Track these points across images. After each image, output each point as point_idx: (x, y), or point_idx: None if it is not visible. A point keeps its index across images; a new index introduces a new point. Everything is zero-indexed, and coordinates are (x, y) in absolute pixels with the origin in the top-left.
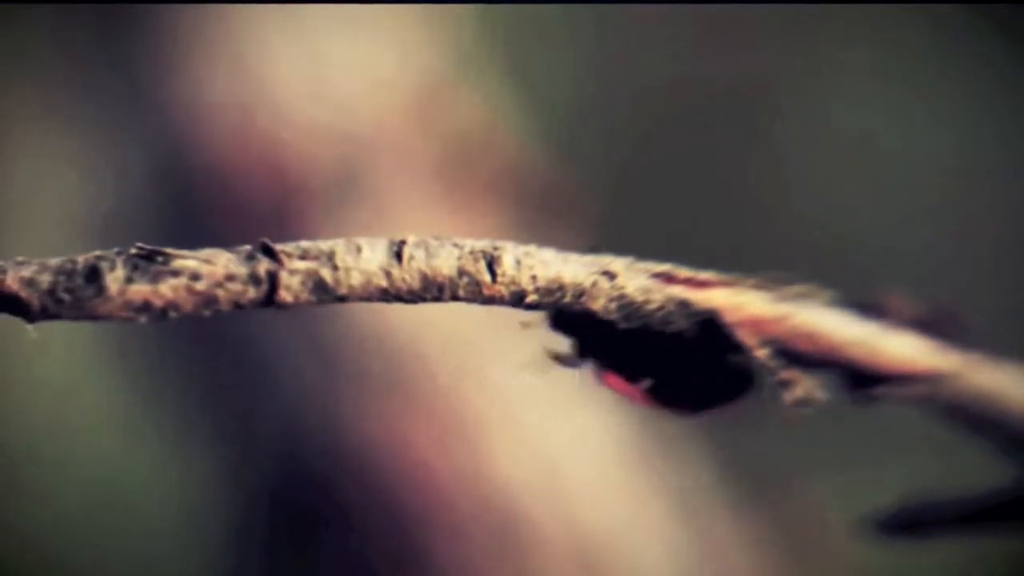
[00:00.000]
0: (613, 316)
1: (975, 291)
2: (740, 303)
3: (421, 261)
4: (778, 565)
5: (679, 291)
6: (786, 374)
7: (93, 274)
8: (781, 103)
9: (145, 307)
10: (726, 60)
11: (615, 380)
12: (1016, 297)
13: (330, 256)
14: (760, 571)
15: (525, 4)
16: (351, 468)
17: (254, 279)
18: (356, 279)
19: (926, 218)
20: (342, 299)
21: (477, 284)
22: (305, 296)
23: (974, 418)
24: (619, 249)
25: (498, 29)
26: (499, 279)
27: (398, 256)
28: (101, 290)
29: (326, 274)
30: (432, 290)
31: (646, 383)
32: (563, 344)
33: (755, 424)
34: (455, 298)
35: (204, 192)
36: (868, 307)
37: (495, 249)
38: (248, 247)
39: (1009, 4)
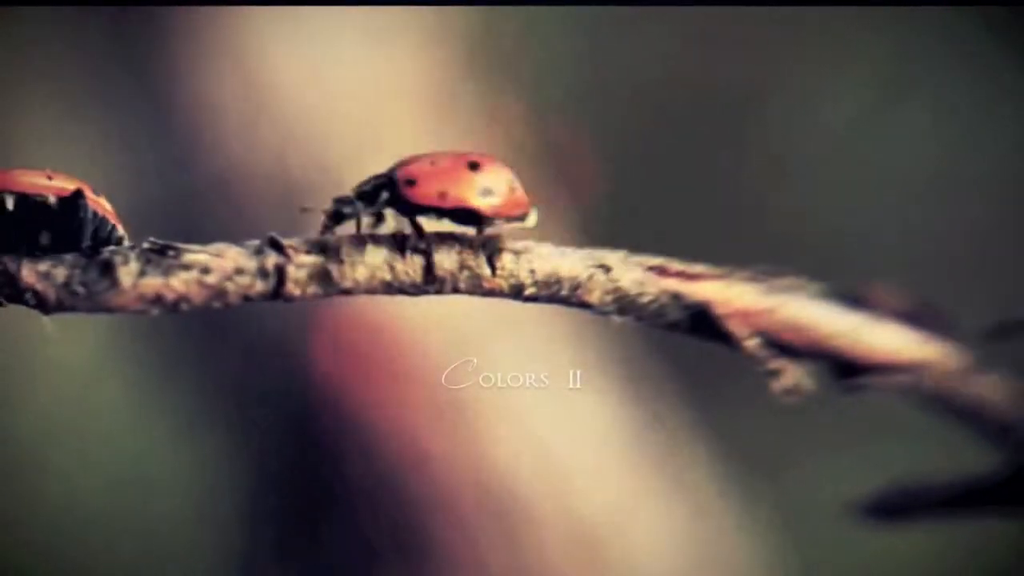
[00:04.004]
0: (608, 308)
1: (960, 285)
2: (731, 295)
3: (423, 255)
4: (772, 546)
5: (672, 284)
6: (775, 363)
7: (107, 268)
8: (774, 100)
9: (157, 300)
10: (719, 57)
11: None
12: (1002, 291)
13: (336, 250)
14: (754, 552)
15: (524, 5)
16: (356, 454)
17: (262, 273)
18: (361, 273)
19: (914, 213)
20: (347, 292)
21: (477, 277)
22: (311, 289)
23: (957, 406)
24: (614, 243)
25: (497, 29)
26: (498, 273)
27: (401, 250)
28: (114, 283)
29: (332, 268)
30: (434, 283)
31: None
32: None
33: (748, 410)
34: (456, 291)
35: (213, 189)
36: (855, 299)
37: (495, 244)
38: (257, 242)
39: (1004, 6)
